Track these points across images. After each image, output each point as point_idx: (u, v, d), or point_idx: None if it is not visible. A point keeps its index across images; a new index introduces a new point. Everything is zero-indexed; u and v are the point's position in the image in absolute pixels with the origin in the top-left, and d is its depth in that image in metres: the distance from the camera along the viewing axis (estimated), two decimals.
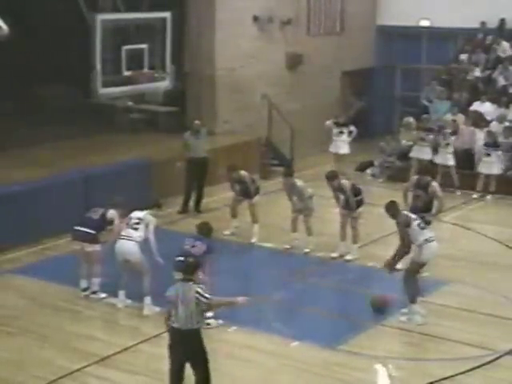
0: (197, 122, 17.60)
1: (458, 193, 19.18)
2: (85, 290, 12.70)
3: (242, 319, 11.83)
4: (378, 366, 10.61)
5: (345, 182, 14.68)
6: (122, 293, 12.38)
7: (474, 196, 18.93)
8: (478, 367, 10.51)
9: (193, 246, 11.56)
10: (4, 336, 11.30)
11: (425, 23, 24.98)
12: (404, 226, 11.66)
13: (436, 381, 10.18)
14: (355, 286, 13.36)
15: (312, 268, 14.14)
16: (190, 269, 9.17)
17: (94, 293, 12.66)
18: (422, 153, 19.85)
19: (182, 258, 11.12)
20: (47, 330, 11.46)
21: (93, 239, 12.60)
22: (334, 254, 14.44)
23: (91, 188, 15.96)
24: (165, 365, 9.16)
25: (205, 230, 11.91)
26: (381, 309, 11.96)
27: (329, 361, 10.67)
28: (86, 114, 20.65)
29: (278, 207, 16.30)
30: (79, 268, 12.72)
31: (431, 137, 19.84)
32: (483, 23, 23.64)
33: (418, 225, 11.74)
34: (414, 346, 11.24)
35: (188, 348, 8.98)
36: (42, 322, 11.71)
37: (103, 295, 12.61)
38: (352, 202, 14.38)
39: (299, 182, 15.01)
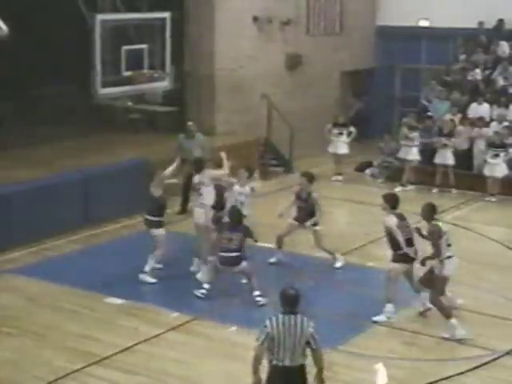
0: (190, 123, 17.57)
1: (454, 191, 19.25)
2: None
3: (241, 319, 11.84)
4: (378, 366, 10.61)
5: (315, 195, 14.06)
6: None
7: (488, 199, 18.90)
8: (478, 367, 10.51)
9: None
10: (4, 336, 11.28)
11: (424, 23, 25.03)
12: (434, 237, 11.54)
13: (436, 381, 10.18)
14: (355, 286, 13.35)
15: (312, 268, 14.13)
16: (294, 301, 8.09)
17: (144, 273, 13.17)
18: (409, 153, 19.86)
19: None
20: (47, 330, 11.45)
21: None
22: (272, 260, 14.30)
23: (91, 188, 15.97)
24: (165, 365, 9.14)
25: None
26: None
27: (329, 361, 10.60)
28: (85, 114, 20.65)
29: (278, 207, 16.25)
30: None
31: (415, 134, 19.85)
32: (481, 23, 23.68)
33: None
34: (414, 346, 11.23)
35: None
36: (41, 322, 11.70)
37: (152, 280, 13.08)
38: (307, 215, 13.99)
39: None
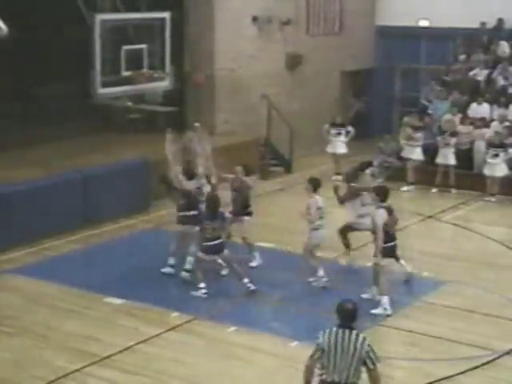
0: (196, 124, 17.50)
1: (454, 191, 19.23)
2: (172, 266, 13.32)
3: (242, 319, 11.83)
4: None
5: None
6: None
7: (488, 199, 18.89)
8: (478, 367, 10.50)
9: None
10: (3, 336, 11.28)
11: (424, 23, 25.01)
12: None
13: (436, 381, 10.17)
14: (355, 286, 13.33)
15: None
16: (351, 315, 7.72)
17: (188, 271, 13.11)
18: (412, 153, 19.88)
19: None
20: (46, 330, 11.45)
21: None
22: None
23: (90, 188, 15.97)
24: (165, 365, 9.13)
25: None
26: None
27: None
28: (85, 113, 20.63)
29: (278, 207, 16.29)
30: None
31: (419, 135, 19.88)
32: (483, 23, 23.66)
33: None
34: (414, 346, 11.21)
35: None
36: (41, 322, 11.69)
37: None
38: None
39: None
